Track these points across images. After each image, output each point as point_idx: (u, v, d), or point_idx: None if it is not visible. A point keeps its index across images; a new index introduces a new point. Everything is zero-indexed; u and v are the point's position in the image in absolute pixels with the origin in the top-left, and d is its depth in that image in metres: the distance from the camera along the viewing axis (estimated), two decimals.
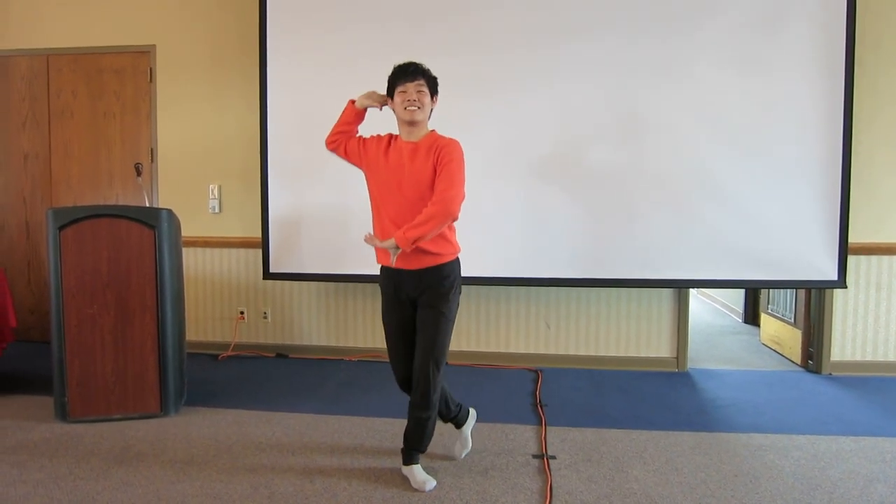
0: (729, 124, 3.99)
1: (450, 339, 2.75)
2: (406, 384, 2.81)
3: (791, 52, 3.93)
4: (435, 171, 2.61)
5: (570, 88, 4.07)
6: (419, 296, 2.71)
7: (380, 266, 2.81)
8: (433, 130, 2.74)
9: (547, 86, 4.09)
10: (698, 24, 3.97)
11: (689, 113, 4.00)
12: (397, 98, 2.67)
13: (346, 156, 2.84)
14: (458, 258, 2.77)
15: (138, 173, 4.18)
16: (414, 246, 2.56)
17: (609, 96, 4.04)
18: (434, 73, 2.73)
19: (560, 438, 3.27)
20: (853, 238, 4.10)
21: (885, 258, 4.31)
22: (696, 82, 3.99)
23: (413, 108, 2.63)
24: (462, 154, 2.65)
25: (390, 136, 2.77)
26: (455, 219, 2.62)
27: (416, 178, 2.63)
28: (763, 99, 3.96)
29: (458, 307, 2.81)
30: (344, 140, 2.82)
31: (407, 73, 2.65)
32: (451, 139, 2.67)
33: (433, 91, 2.72)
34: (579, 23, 4.05)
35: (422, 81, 2.65)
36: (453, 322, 2.75)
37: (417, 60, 2.70)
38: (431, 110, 2.74)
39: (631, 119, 4.04)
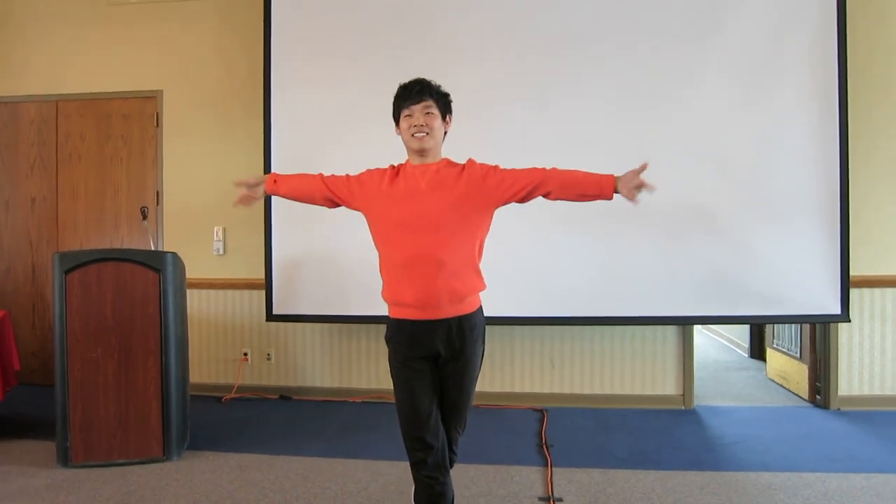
0: (728, 160, 4.01)
1: (474, 395, 2.49)
2: (428, 444, 2.31)
3: (789, 87, 3.98)
4: (473, 183, 2.27)
5: (571, 127, 4.10)
6: (445, 348, 2.33)
7: (391, 319, 2.39)
8: (447, 159, 2.38)
9: (547, 121, 4.13)
10: (696, 61, 4.03)
11: (689, 149, 4.03)
12: (403, 123, 2.31)
13: (346, 204, 2.45)
14: (481, 308, 2.44)
15: (144, 217, 4.23)
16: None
17: (608, 134, 4.07)
18: (441, 89, 2.36)
19: (567, 480, 3.24)
20: (855, 271, 4.09)
21: (889, 290, 4.30)
22: (695, 118, 4.03)
23: (421, 133, 2.27)
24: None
25: (393, 166, 2.38)
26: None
27: (442, 204, 2.24)
28: (762, 134, 4.00)
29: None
30: (331, 199, 2.45)
31: (412, 94, 2.29)
32: (471, 160, 2.36)
33: (445, 111, 2.35)
34: (577, 64, 4.11)
35: (430, 102, 2.29)
36: (478, 375, 2.47)
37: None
38: (445, 133, 2.38)
39: (631, 156, 4.06)
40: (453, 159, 2.38)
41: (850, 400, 4.35)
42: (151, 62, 4.94)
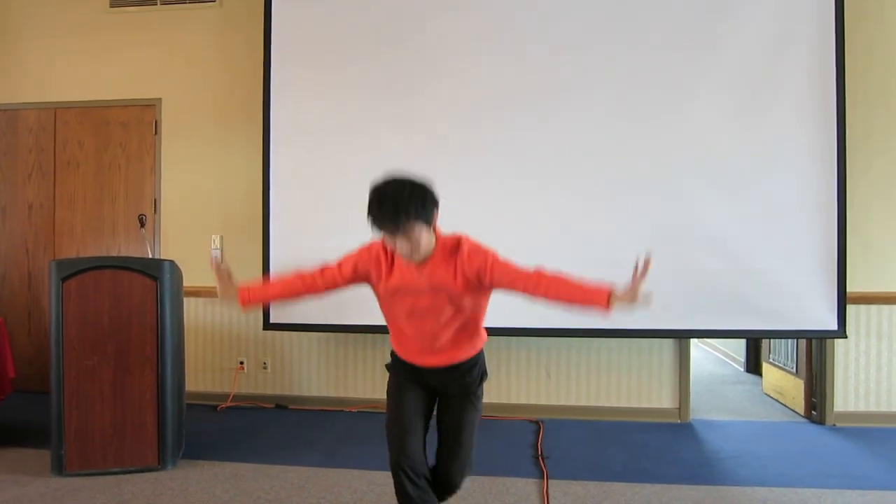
0: (725, 173, 4.03)
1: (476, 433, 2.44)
2: (413, 466, 2.29)
3: (786, 100, 4.00)
4: (470, 281, 2.21)
5: (570, 139, 4.12)
6: (442, 386, 2.41)
7: (393, 353, 2.46)
8: (443, 238, 2.25)
9: (546, 131, 4.15)
10: (694, 72, 4.05)
11: (686, 161, 4.05)
12: (385, 240, 2.20)
13: (345, 286, 2.36)
14: (481, 352, 2.46)
15: (142, 224, 4.23)
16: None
17: (607, 147, 4.10)
18: (418, 198, 2.10)
19: (562, 492, 3.23)
20: (852, 287, 4.10)
21: (885, 307, 4.31)
22: (695, 134, 4.05)
23: (407, 256, 2.18)
24: (486, 247, 2.25)
25: (384, 250, 2.27)
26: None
27: (442, 301, 2.24)
28: (759, 147, 4.01)
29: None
30: (325, 289, 2.36)
31: (386, 225, 2.09)
32: (474, 245, 2.24)
33: (429, 215, 2.14)
34: (577, 74, 4.13)
35: (409, 225, 2.08)
36: (480, 413, 2.45)
37: (398, 179, 2.13)
38: (435, 228, 2.24)
39: (629, 169, 4.09)
40: (445, 232, 2.28)
41: (846, 416, 4.35)
42: (150, 70, 4.96)
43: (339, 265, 2.32)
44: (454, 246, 2.23)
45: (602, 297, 2.15)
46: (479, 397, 2.44)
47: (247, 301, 2.40)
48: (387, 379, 2.52)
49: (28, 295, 5.14)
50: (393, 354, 2.47)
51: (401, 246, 2.13)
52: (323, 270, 2.34)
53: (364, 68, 4.31)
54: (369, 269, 2.29)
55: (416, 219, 2.08)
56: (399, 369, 2.44)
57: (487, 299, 2.36)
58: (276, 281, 2.44)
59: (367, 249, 2.31)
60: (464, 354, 2.37)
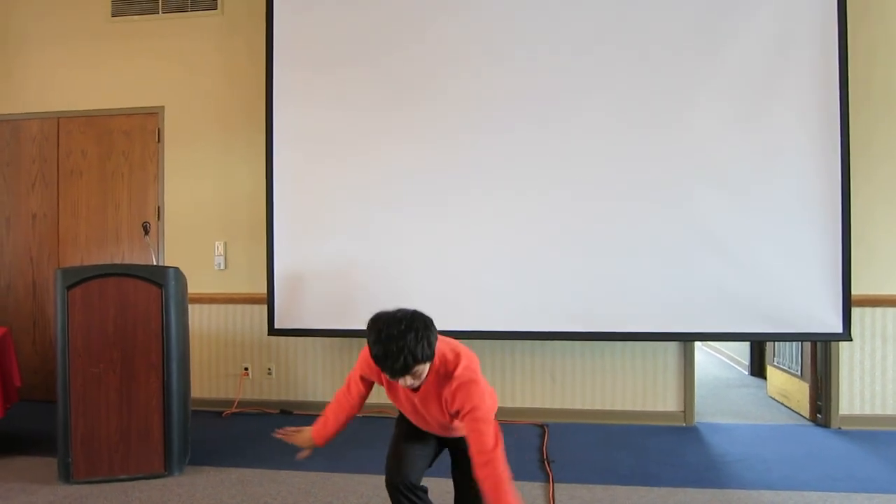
0: (729, 176, 4.04)
1: None
2: (398, 486, 2.37)
3: (790, 104, 4.00)
4: (449, 413, 2.22)
5: (572, 144, 4.14)
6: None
7: None
8: (439, 360, 2.20)
9: (549, 140, 4.16)
10: (697, 76, 4.06)
11: (690, 165, 4.06)
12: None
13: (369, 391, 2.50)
14: None
15: (146, 232, 4.25)
16: None
17: (610, 153, 4.11)
18: (423, 339, 2.06)
19: (569, 496, 3.23)
20: (857, 290, 4.10)
21: (890, 310, 4.30)
22: (697, 138, 4.06)
23: (412, 387, 2.20)
24: (477, 388, 2.15)
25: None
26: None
27: (436, 415, 2.29)
28: (762, 151, 4.02)
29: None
30: (361, 402, 2.50)
31: (394, 375, 2.09)
32: (462, 375, 2.16)
33: (431, 353, 2.11)
34: (579, 83, 4.15)
35: (416, 370, 2.09)
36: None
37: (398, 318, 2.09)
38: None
39: (633, 174, 4.10)
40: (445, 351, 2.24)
41: (851, 419, 4.35)
42: (153, 78, 4.98)
43: (357, 380, 2.45)
44: (447, 372, 2.18)
45: None
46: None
47: (324, 440, 2.57)
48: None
49: (33, 304, 5.16)
50: None
51: (404, 382, 2.13)
52: (349, 387, 2.48)
53: (366, 72, 4.34)
54: (373, 379, 2.41)
55: (423, 361, 2.08)
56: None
57: None
58: (331, 414, 2.54)
59: (368, 364, 2.31)
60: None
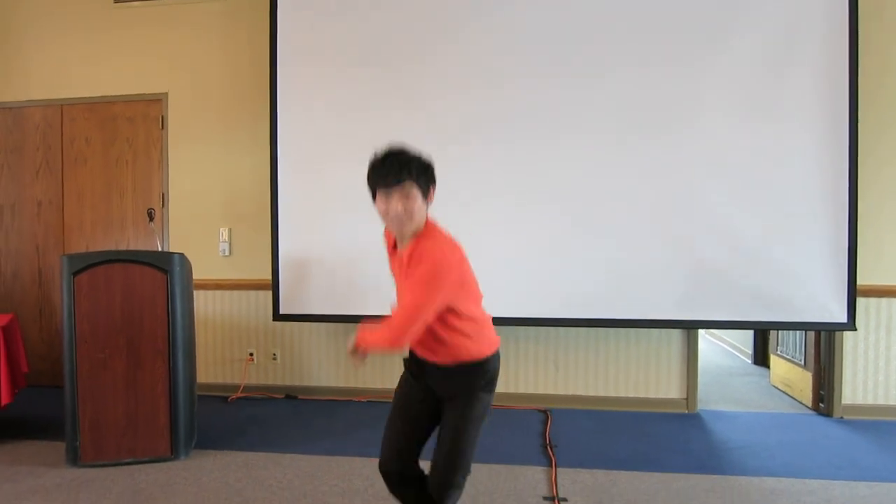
0: (736, 167, 4.02)
1: (473, 444, 2.23)
2: (389, 471, 2.32)
3: (799, 96, 3.98)
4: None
5: (580, 137, 4.12)
6: (438, 387, 2.27)
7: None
8: (427, 227, 2.16)
9: (554, 135, 4.15)
10: (706, 74, 4.04)
11: (697, 157, 4.05)
12: (379, 204, 2.12)
13: None
14: (494, 354, 2.26)
15: (151, 218, 4.26)
16: (364, 356, 2.16)
17: (619, 145, 4.10)
18: (425, 155, 2.13)
19: (571, 480, 3.25)
20: (862, 280, 4.09)
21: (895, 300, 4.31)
22: (705, 130, 4.04)
23: (399, 220, 2.10)
24: (441, 265, 2.03)
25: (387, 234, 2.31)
26: (400, 347, 2.09)
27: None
28: (771, 142, 4.00)
29: (489, 406, 2.28)
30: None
31: (388, 175, 2.06)
32: (436, 245, 2.08)
33: (427, 185, 2.13)
34: (589, 74, 4.13)
35: (409, 183, 2.07)
36: (478, 423, 2.23)
37: (403, 146, 2.12)
38: (429, 205, 2.18)
39: (639, 165, 4.10)
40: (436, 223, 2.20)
41: (854, 409, 4.36)
42: (156, 65, 4.98)
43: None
44: (425, 237, 2.13)
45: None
46: (478, 408, 2.22)
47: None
48: (396, 370, 2.48)
49: (39, 291, 5.18)
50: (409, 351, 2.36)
51: (395, 207, 2.07)
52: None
53: (370, 60, 4.32)
54: (387, 247, 2.31)
55: (416, 180, 2.07)
56: (407, 365, 2.36)
57: (464, 299, 2.16)
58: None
59: (385, 233, 2.32)
60: (452, 355, 2.18)
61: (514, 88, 4.18)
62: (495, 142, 4.19)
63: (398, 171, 2.05)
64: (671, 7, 4.07)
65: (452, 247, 2.12)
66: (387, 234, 2.30)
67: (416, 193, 2.08)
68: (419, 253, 2.07)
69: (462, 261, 2.13)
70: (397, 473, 2.30)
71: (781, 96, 3.99)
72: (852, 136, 3.94)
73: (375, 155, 2.12)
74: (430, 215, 2.20)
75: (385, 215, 2.12)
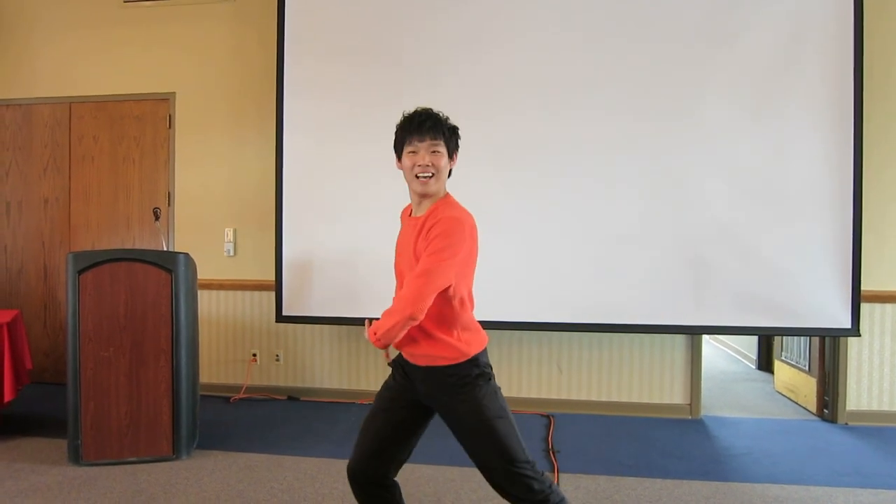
0: (739, 171, 4.02)
1: (511, 433, 2.15)
2: (357, 475, 2.20)
3: (802, 99, 3.97)
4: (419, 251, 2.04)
5: (581, 136, 4.12)
6: (424, 396, 2.17)
7: None
8: (445, 196, 2.16)
9: (559, 135, 4.15)
10: (708, 73, 4.03)
11: (701, 161, 4.04)
12: (406, 160, 2.11)
13: None
14: (474, 357, 2.11)
15: (156, 217, 4.26)
16: (385, 344, 2.06)
17: (621, 146, 4.09)
18: (454, 126, 2.16)
19: (573, 486, 3.24)
20: (867, 286, 4.08)
21: None
22: (709, 133, 4.04)
23: (426, 175, 2.07)
24: (459, 232, 2.01)
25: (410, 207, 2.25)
26: (416, 320, 2.00)
27: (404, 263, 2.13)
28: (774, 146, 3.99)
29: (499, 395, 2.17)
30: None
31: (419, 128, 2.08)
32: (453, 213, 2.05)
33: (453, 149, 2.14)
34: (587, 74, 4.13)
35: (438, 140, 2.08)
36: (501, 418, 2.13)
37: (436, 108, 2.14)
38: (451, 171, 2.17)
39: (642, 166, 4.09)
40: (452, 196, 2.19)
41: (859, 415, 4.33)
42: (164, 64, 4.99)
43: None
44: (443, 204, 2.11)
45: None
46: (490, 400, 2.12)
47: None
48: None
49: (44, 288, 5.20)
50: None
51: (422, 155, 2.07)
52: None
53: (377, 60, 4.32)
54: (402, 218, 2.30)
55: (446, 138, 2.10)
56: (393, 368, 2.27)
57: (463, 284, 2.11)
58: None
59: (403, 212, 2.30)
60: (439, 352, 2.09)
61: (521, 101, 4.19)
62: (500, 146, 4.18)
63: (433, 125, 2.08)
64: (678, 8, 4.05)
65: (469, 217, 2.10)
66: (403, 211, 2.28)
67: (444, 151, 2.10)
68: (436, 216, 2.04)
69: (474, 237, 2.11)
70: (363, 474, 2.19)
71: (786, 102, 3.98)
72: (857, 142, 3.93)
73: (405, 113, 2.15)
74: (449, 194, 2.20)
75: (410, 170, 2.10)
